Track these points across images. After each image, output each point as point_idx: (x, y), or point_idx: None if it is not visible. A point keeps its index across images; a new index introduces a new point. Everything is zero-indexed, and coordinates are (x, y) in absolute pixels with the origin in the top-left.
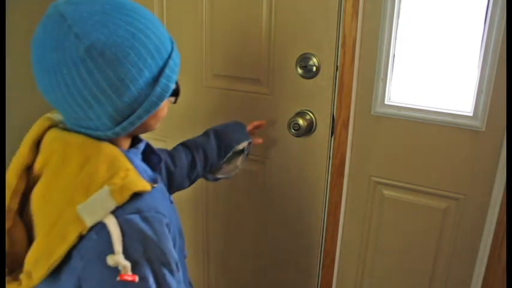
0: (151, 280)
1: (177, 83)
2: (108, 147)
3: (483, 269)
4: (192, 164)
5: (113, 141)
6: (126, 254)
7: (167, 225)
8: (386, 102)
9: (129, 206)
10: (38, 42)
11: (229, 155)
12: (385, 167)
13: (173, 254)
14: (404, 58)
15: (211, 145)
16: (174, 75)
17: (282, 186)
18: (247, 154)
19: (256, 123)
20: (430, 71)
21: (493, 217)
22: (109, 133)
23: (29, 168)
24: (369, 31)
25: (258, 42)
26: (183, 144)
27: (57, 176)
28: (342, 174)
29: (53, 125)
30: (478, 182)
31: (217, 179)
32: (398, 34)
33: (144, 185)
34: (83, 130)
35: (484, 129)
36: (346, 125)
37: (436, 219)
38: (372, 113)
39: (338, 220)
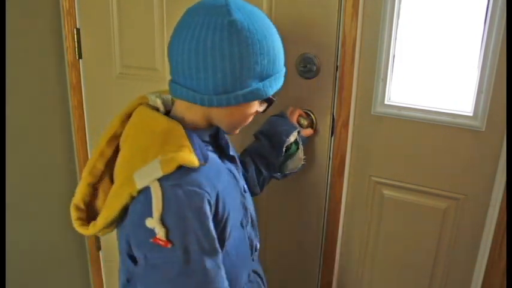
0: (180, 251)
1: (271, 98)
2: (173, 124)
3: (483, 269)
4: (258, 170)
5: (188, 118)
6: (163, 220)
7: (210, 203)
8: (386, 102)
9: (174, 177)
10: (196, 5)
11: (284, 149)
12: (385, 167)
13: (209, 233)
14: (404, 58)
15: (265, 147)
16: (274, 87)
17: (282, 186)
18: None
19: (297, 112)
20: (430, 71)
21: (493, 217)
22: (205, 98)
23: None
24: (369, 31)
25: None
26: (243, 155)
27: (131, 145)
28: (342, 174)
29: (143, 102)
30: (478, 182)
31: (286, 175)
32: (398, 34)
33: (191, 161)
34: (183, 91)
35: (484, 129)
36: (346, 125)
37: (436, 219)
38: (372, 113)
39: (338, 220)
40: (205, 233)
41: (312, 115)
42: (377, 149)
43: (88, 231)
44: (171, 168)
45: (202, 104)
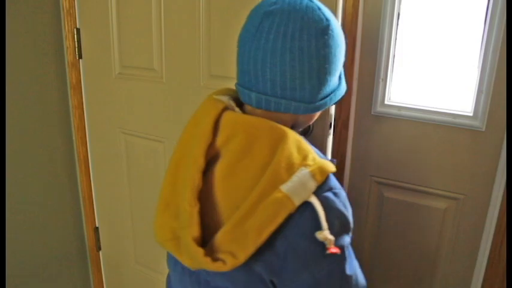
0: (344, 250)
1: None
2: (292, 132)
3: (483, 269)
4: None
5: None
6: (329, 229)
7: None
8: (386, 102)
9: (323, 185)
10: (278, 8)
11: None
12: (385, 167)
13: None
14: (404, 58)
15: None
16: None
17: None
18: None
19: None
20: (430, 71)
21: (493, 217)
22: (310, 106)
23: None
24: (369, 31)
25: None
26: None
27: (244, 157)
28: (342, 174)
29: (226, 107)
30: (478, 182)
31: None
32: (399, 34)
33: (332, 167)
34: (282, 103)
35: (484, 129)
36: (346, 125)
37: (436, 219)
38: (372, 113)
39: None
40: (351, 226)
41: None
42: (377, 149)
43: (227, 266)
44: (323, 178)
45: (305, 112)
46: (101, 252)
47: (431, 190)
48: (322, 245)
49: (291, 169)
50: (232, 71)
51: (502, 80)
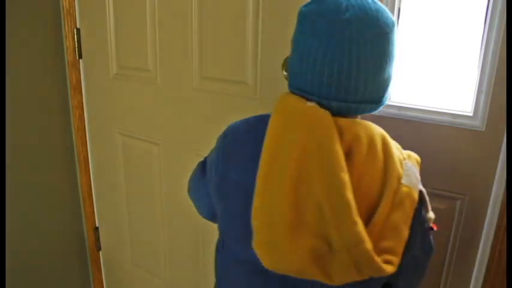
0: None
1: None
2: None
3: (483, 269)
4: None
5: None
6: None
7: None
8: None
9: None
10: (356, 18)
11: None
12: None
13: None
14: (404, 58)
15: None
16: None
17: None
18: None
19: None
20: (430, 71)
21: (493, 217)
22: (379, 105)
23: None
24: None
25: (245, 44)
26: None
27: (368, 158)
28: None
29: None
30: (478, 182)
31: None
32: (398, 34)
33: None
34: (360, 107)
35: (484, 129)
36: None
37: (435, 219)
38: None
39: None
40: None
41: None
42: None
43: (394, 266)
44: (420, 168)
45: (374, 111)
46: (101, 252)
47: (431, 190)
48: (426, 224)
49: (401, 164)
50: (224, 72)
51: (502, 80)
